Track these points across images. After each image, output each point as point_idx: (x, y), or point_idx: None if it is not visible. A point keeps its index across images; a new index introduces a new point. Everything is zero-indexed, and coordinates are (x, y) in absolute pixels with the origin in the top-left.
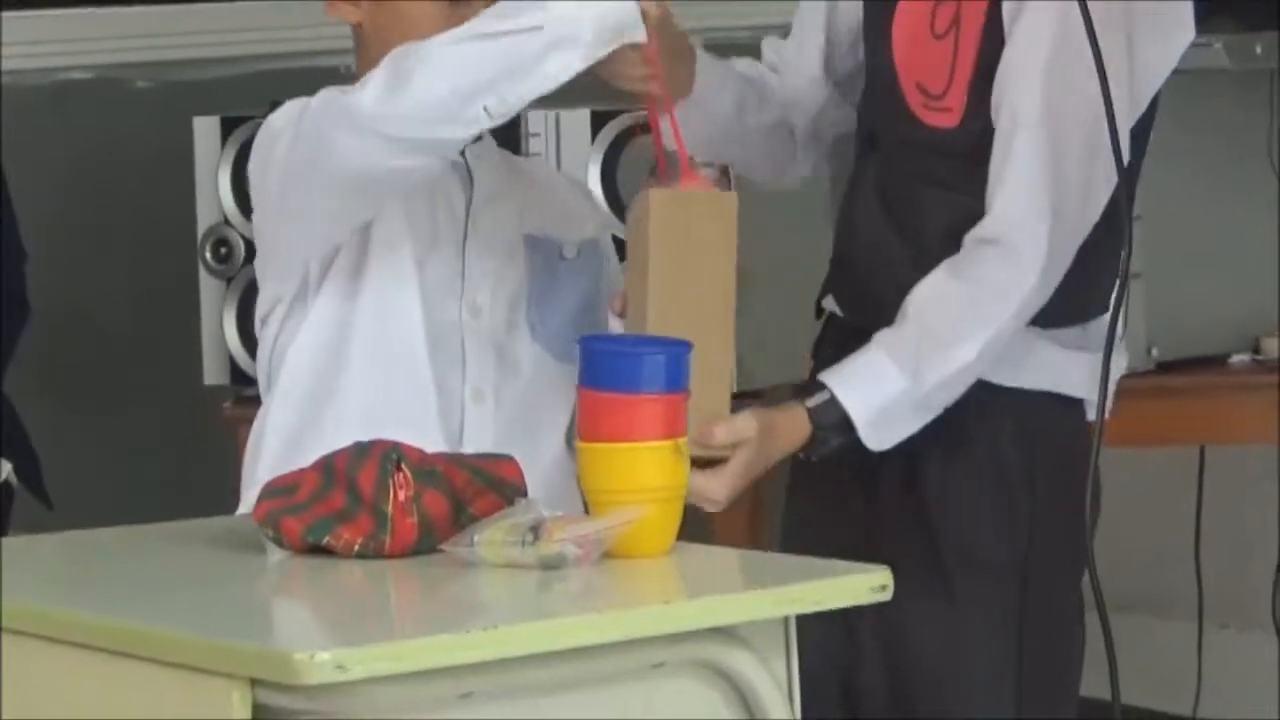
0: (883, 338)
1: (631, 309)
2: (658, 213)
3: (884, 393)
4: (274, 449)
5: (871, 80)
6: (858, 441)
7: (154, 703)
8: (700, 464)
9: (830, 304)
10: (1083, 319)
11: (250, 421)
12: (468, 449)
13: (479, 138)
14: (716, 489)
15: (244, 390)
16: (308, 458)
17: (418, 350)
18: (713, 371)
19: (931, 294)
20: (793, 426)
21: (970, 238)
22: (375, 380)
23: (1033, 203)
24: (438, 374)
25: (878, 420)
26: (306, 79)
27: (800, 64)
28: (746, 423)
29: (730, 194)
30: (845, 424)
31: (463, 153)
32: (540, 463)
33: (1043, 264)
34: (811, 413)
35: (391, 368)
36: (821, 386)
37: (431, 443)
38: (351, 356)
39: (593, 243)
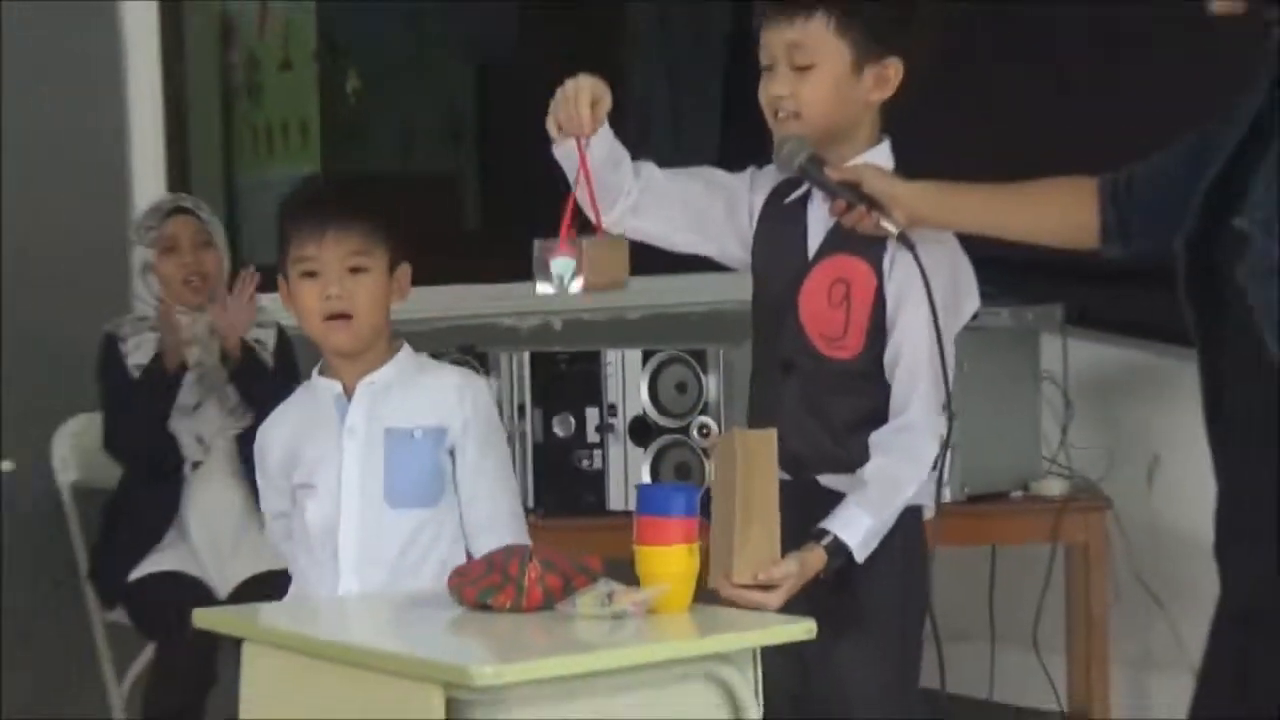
0: (854, 498)
1: (720, 506)
2: (741, 444)
3: (864, 528)
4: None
5: (784, 324)
6: (851, 559)
7: (372, 703)
8: (763, 586)
9: None
10: None
11: None
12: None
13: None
14: (772, 602)
15: None
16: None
17: (314, 538)
18: (770, 535)
19: (880, 465)
20: (816, 559)
21: (891, 429)
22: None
23: (932, 406)
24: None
25: (863, 545)
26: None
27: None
28: (791, 564)
29: (772, 432)
30: (845, 551)
31: (346, 388)
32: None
33: (939, 438)
34: (826, 549)
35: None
36: (827, 533)
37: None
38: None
39: (438, 430)
